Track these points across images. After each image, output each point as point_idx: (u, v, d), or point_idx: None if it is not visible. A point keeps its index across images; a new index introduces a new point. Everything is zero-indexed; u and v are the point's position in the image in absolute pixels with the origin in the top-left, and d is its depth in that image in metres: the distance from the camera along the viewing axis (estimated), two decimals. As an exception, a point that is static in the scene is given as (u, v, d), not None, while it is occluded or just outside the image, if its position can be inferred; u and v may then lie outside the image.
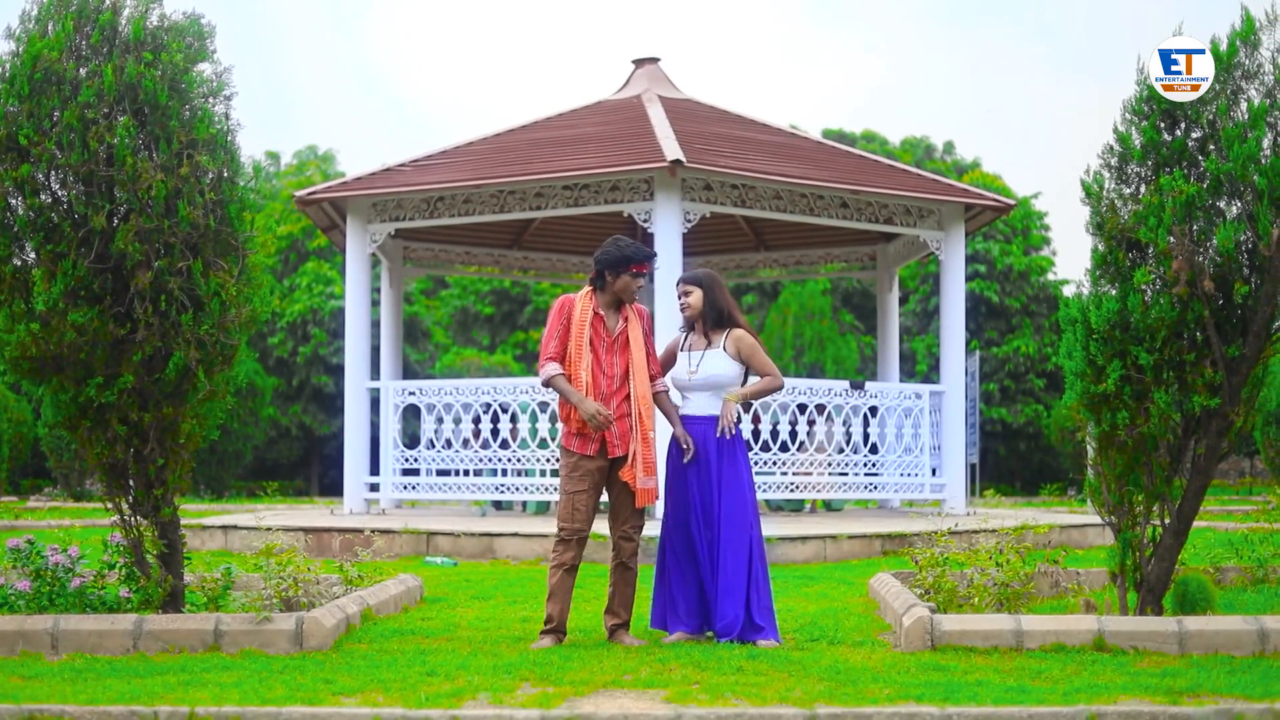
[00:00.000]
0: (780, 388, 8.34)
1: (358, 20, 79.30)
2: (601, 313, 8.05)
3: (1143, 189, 8.06)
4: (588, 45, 78.25)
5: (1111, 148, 8.17)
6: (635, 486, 7.94)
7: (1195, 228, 7.81)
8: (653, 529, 8.72)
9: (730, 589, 7.87)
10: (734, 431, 8.05)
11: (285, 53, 77.71)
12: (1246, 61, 8.02)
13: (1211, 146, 7.93)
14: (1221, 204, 7.90)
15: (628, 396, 8.02)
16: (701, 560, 8.00)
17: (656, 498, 8.09)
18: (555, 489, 15.49)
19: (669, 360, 8.31)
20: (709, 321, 8.22)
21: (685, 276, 8.37)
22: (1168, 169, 7.95)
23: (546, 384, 8.03)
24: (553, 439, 15.23)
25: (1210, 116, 7.97)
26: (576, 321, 7.99)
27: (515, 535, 13.04)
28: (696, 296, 8.23)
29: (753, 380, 8.24)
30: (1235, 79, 8.00)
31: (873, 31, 78.06)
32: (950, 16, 75.61)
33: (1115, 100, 8.24)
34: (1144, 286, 7.88)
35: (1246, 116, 7.87)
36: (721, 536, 7.94)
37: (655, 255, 8.28)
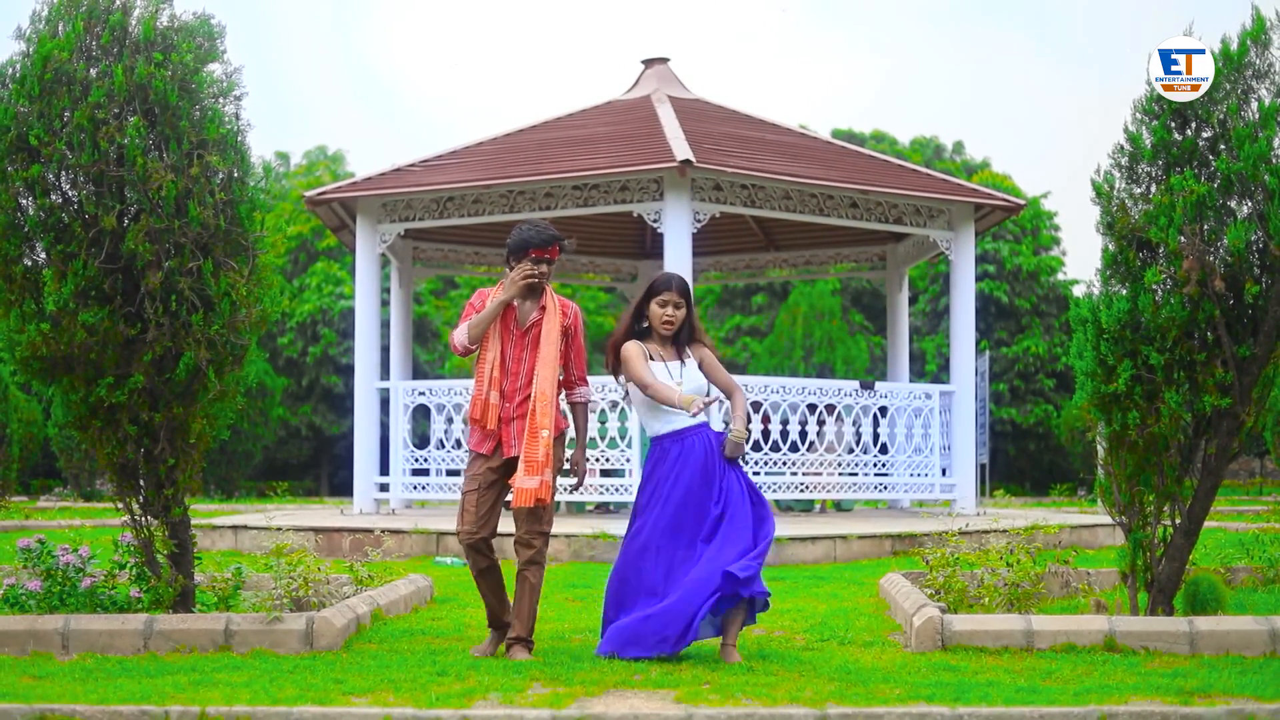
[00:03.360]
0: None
1: (363, 20, 79.37)
2: (514, 303, 7.56)
3: (1153, 188, 8.05)
4: (597, 45, 78.28)
5: (1122, 147, 8.17)
6: (514, 485, 7.39)
7: (1206, 227, 7.81)
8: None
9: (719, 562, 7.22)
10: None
11: (289, 54, 77.78)
12: (1257, 61, 8.02)
13: (1222, 146, 7.92)
14: (1232, 203, 7.90)
15: (530, 396, 7.50)
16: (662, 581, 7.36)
17: (540, 499, 7.33)
18: (560, 489, 15.50)
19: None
20: (682, 336, 7.68)
21: (676, 286, 7.63)
22: (1178, 168, 7.94)
23: (464, 344, 7.48)
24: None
25: (1221, 116, 7.97)
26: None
27: (525, 535, 13.02)
28: (683, 313, 7.61)
29: (727, 402, 7.74)
30: (1246, 78, 8.00)
31: (879, 31, 78.03)
32: (959, 15, 75.56)
33: (1127, 100, 8.25)
34: (1155, 286, 7.87)
35: (1257, 116, 7.88)
36: (722, 527, 7.35)
37: (562, 238, 7.57)
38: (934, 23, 75.34)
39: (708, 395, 7.60)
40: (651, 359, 7.59)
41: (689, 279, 14.94)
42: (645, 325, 7.69)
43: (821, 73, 75.24)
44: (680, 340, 7.69)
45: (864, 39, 78.93)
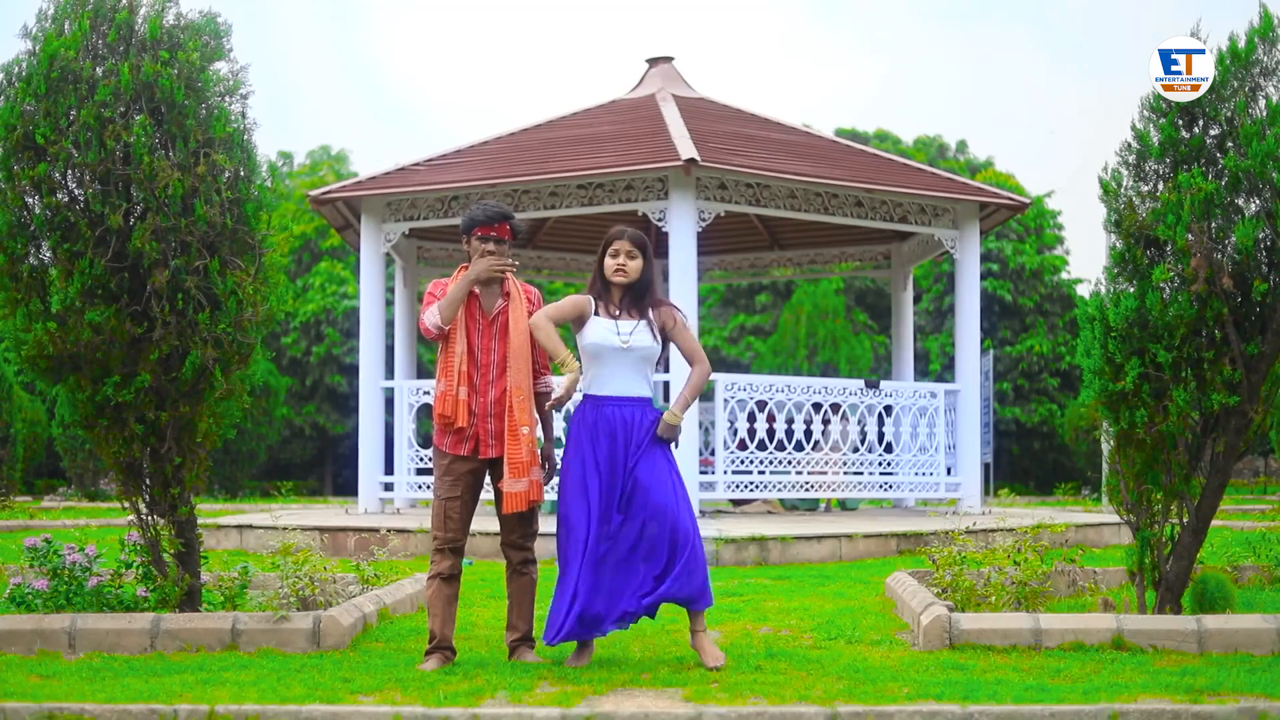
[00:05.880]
0: (709, 375, 7.41)
1: (364, 21, 79.38)
2: (476, 290, 7.28)
3: (1161, 186, 8.05)
4: (601, 44, 78.31)
5: (1129, 145, 8.16)
6: (503, 490, 7.20)
7: (1214, 225, 7.80)
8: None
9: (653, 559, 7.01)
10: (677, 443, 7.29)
11: (289, 54, 77.75)
12: (1265, 58, 8.02)
13: (1230, 144, 7.92)
14: (1240, 201, 7.89)
15: (506, 390, 7.22)
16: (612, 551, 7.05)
17: (534, 500, 7.20)
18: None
19: (578, 320, 7.25)
20: (636, 293, 7.28)
21: (630, 235, 7.28)
22: (1186, 166, 7.93)
23: (437, 324, 7.15)
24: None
25: (1229, 113, 7.96)
26: None
27: (530, 534, 13.01)
28: (638, 264, 7.25)
29: (688, 378, 7.34)
30: (1254, 76, 8.00)
31: (881, 30, 78.03)
32: (961, 14, 75.57)
33: (1131, 99, 8.24)
34: (1162, 284, 7.87)
35: (1265, 113, 7.87)
36: (648, 511, 7.01)
37: (511, 216, 7.29)
38: (936, 22, 75.33)
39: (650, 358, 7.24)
40: (597, 314, 7.24)
41: (693, 278, 15.00)
42: (605, 282, 7.33)
43: (824, 72, 75.26)
44: (640, 299, 7.29)
45: (866, 38, 78.95)
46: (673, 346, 7.52)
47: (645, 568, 7.03)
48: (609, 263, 7.27)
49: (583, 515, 7.09)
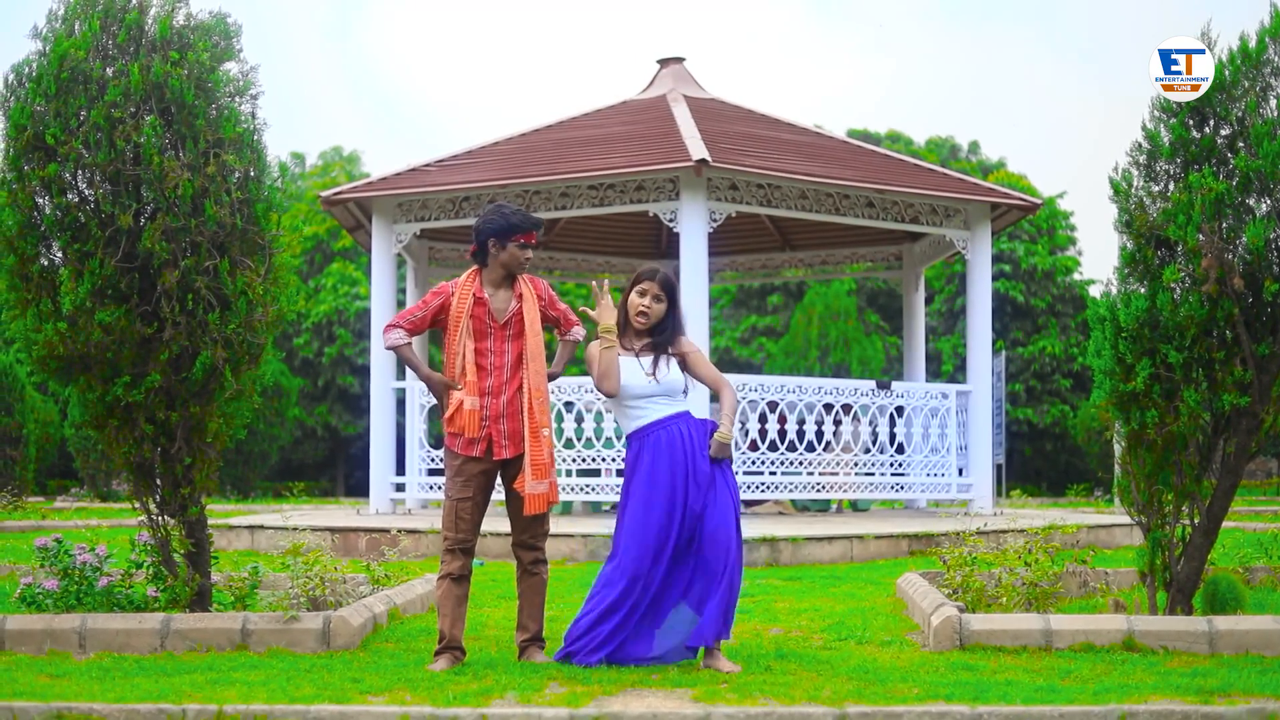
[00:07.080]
0: (736, 393, 7.27)
1: (373, 22, 79.42)
2: (486, 295, 7.21)
3: (1172, 186, 8.02)
4: (613, 45, 78.29)
5: (1140, 145, 8.13)
6: (524, 492, 7.18)
7: (1225, 225, 7.77)
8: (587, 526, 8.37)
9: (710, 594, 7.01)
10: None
11: (298, 56, 77.79)
12: (1276, 58, 8.00)
13: (1241, 144, 7.89)
14: (1251, 201, 7.87)
15: (520, 389, 7.23)
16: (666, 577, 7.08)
17: (553, 502, 7.24)
18: (578, 489, 15.51)
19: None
20: (656, 332, 7.23)
21: (661, 278, 7.17)
22: (1197, 166, 7.91)
23: (391, 349, 7.29)
24: (579, 438, 15.23)
25: (1239, 113, 7.93)
26: (454, 311, 7.18)
27: (541, 535, 13.00)
28: (662, 308, 7.17)
29: (721, 402, 7.22)
30: (1265, 75, 7.98)
31: (890, 31, 77.94)
32: (975, 14, 75.48)
33: (1144, 99, 8.22)
34: (1173, 284, 7.84)
35: (1276, 113, 7.86)
36: (705, 537, 7.03)
37: (543, 224, 7.28)
38: (948, 23, 75.26)
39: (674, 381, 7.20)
40: (624, 355, 7.19)
41: (704, 279, 14.98)
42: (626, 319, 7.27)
43: (836, 73, 75.21)
44: (659, 340, 7.22)
45: (878, 39, 78.85)
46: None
47: (687, 608, 7.08)
48: (634, 300, 7.18)
49: (644, 546, 7.05)
